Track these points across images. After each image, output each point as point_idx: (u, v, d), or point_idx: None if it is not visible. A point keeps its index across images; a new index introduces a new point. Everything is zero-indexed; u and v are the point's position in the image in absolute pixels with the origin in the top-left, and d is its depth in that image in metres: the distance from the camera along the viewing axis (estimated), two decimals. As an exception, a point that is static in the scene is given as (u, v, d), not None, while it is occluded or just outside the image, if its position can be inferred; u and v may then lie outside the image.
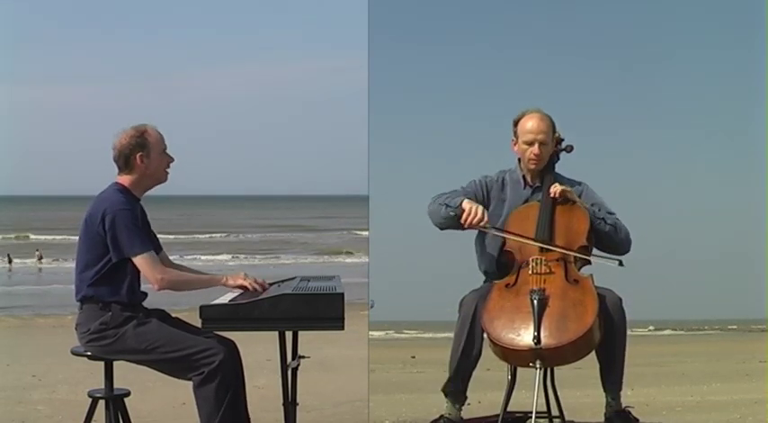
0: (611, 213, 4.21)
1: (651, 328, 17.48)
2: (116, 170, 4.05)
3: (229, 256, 32.30)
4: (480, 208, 4.09)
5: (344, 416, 6.16)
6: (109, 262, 3.90)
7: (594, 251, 4.16)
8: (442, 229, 4.25)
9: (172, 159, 4.09)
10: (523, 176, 4.34)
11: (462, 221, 4.09)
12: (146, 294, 4.04)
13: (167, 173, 4.11)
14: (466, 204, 4.10)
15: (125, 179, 4.02)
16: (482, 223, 4.09)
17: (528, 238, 4.09)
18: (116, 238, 3.87)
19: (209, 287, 4.07)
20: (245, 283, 4.03)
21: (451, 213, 4.12)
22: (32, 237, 40.36)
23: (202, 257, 30.00)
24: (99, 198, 3.98)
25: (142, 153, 3.99)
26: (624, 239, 4.20)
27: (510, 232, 4.14)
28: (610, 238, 4.17)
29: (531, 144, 4.22)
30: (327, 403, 6.44)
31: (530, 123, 4.23)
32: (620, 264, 4.05)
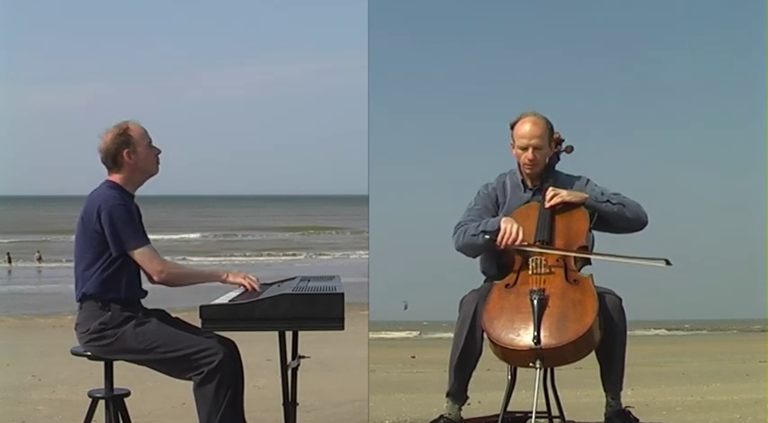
0: (615, 194, 4.19)
1: (661, 330, 17.46)
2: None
3: (229, 256, 32.30)
4: (517, 227, 4.06)
5: (344, 416, 6.16)
6: (108, 258, 3.90)
7: (638, 255, 3.99)
8: (476, 256, 4.27)
9: (159, 151, 4.09)
10: (522, 180, 4.34)
11: (498, 241, 4.06)
12: (146, 292, 4.05)
13: (158, 164, 4.11)
14: (503, 223, 4.08)
15: (116, 177, 4.03)
16: (517, 243, 4.05)
17: (566, 251, 4.02)
18: (114, 232, 3.87)
19: (209, 282, 4.06)
20: (245, 282, 4.04)
21: (487, 237, 4.09)
22: (32, 238, 40.35)
23: (195, 259, 29.96)
24: (92, 196, 3.98)
25: (128, 149, 3.99)
26: (637, 213, 4.15)
27: (550, 248, 4.06)
28: (622, 217, 4.13)
29: (525, 149, 4.22)
30: (327, 403, 6.44)
31: (523, 128, 4.22)
32: (668, 263, 3.88)
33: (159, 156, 4.10)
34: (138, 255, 3.90)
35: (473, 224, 4.18)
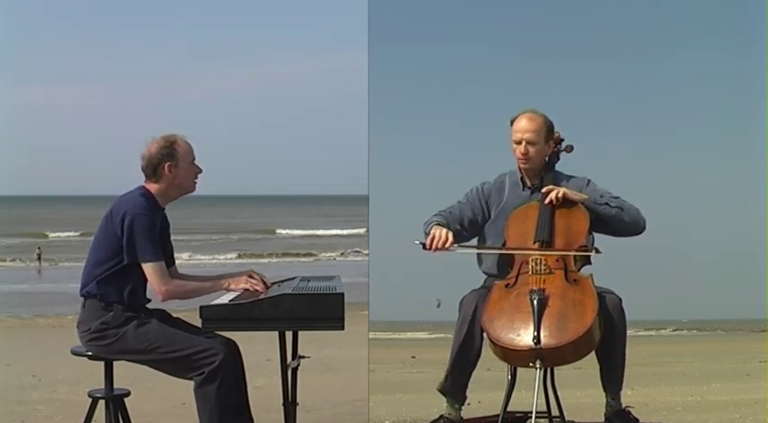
0: (615, 197, 4.20)
1: (662, 330, 17.44)
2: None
3: (233, 256, 32.29)
4: (445, 232, 4.12)
5: (344, 416, 6.17)
6: (120, 262, 3.92)
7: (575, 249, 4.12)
8: None
9: (200, 170, 4.11)
10: (521, 179, 4.34)
11: (427, 248, 4.12)
12: (149, 300, 4.05)
13: (195, 183, 4.12)
14: (433, 230, 4.14)
15: (152, 186, 4.03)
16: (447, 245, 4.10)
17: (501, 248, 4.14)
18: (131, 240, 3.89)
19: (213, 292, 4.07)
20: (247, 286, 4.04)
21: (424, 238, 4.17)
22: (32, 239, 40.29)
23: (202, 258, 29.98)
24: (122, 198, 4.00)
25: (171, 163, 4.00)
26: (635, 217, 4.16)
27: (478, 247, 4.24)
28: (619, 221, 4.15)
29: (518, 143, 4.25)
30: (327, 403, 6.44)
31: (519, 123, 4.26)
32: (597, 251, 4.07)
33: (199, 175, 4.11)
34: (148, 268, 3.91)
35: (435, 217, 4.26)
